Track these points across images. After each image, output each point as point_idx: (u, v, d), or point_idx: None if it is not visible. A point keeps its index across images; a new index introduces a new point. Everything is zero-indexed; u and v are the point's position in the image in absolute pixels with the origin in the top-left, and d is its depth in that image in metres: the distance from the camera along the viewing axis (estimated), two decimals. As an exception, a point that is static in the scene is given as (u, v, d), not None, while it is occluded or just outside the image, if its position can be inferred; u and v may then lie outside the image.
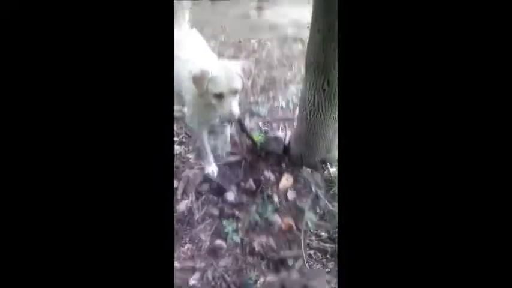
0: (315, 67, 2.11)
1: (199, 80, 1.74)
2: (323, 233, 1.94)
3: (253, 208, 2.01)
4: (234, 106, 1.72)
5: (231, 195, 2.06)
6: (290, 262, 1.76)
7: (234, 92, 1.73)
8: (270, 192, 2.12)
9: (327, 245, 1.87)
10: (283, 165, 2.33)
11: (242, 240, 1.84)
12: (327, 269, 1.77)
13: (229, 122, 1.89)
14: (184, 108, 2.70)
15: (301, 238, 1.87)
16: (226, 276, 1.65)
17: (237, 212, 1.97)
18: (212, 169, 2.20)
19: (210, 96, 1.75)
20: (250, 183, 2.15)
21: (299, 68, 3.42)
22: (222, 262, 1.71)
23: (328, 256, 1.82)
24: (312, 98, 2.15)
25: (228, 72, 1.72)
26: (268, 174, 2.26)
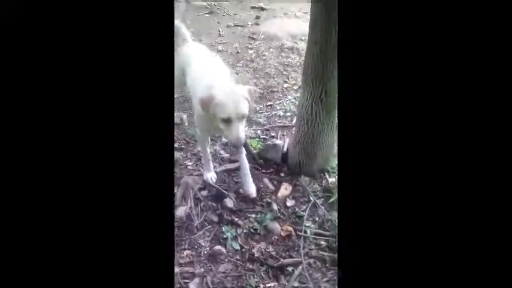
0: (313, 78, 2.16)
1: (205, 103, 1.76)
2: (322, 242, 1.96)
3: (253, 215, 2.03)
4: (241, 131, 1.73)
5: (230, 202, 2.07)
6: (289, 268, 1.78)
7: (241, 117, 1.74)
8: (269, 200, 2.14)
9: (326, 253, 1.89)
10: (282, 174, 2.36)
11: (241, 246, 1.85)
12: (325, 278, 1.79)
13: (236, 146, 1.92)
14: (184, 115, 2.72)
15: (300, 245, 1.89)
16: (225, 282, 1.65)
17: (236, 219, 1.98)
18: (211, 176, 2.21)
19: (217, 120, 1.77)
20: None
21: (296, 78, 3.48)
22: (221, 268, 1.72)
23: (327, 265, 1.84)
24: (310, 108, 2.20)
25: (235, 97, 1.74)
26: (267, 182, 2.28)
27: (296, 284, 1.72)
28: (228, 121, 1.72)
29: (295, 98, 3.13)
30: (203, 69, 2.13)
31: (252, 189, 2.14)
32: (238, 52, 4.01)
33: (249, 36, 4.37)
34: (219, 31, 4.49)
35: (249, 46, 4.15)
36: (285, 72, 3.64)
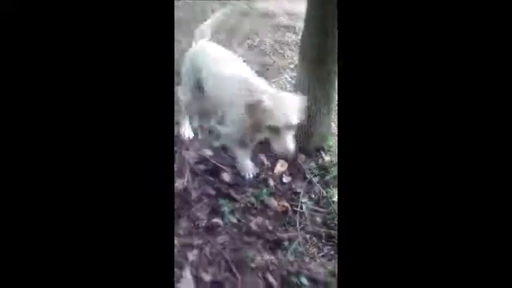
0: (309, 58, 2.18)
1: (251, 108, 1.68)
2: (318, 218, 2.02)
3: (250, 190, 2.08)
4: (289, 142, 1.66)
5: (227, 176, 2.11)
6: (286, 243, 1.84)
7: (290, 128, 1.68)
8: (265, 176, 2.19)
9: (322, 229, 1.96)
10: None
11: (239, 220, 1.91)
12: (321, 253, 1.86)
13: (284, 157, 1.85)
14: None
15: (296, 220, 1.94)
16: (224, 253, 1.70)
17: (233, 193, 2.02)
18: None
19: (263, 127, 1.70)
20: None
21: (292, 57, 3.49)
22: (219, 239, 1.77)
23: (323, 240, 1.90)
24: (307, 87, 2.22)
25: (286, 106, 1.67)
26: (263, 159, 2.32)
27: (292, 258, 1.78)
28: (275, 130, 1.66)
29: (291, 77, 3.15)
30: (235, 71, 2.00)
31: (248, 170, 2.17)
32: (232, 29, 4.00)
33: (244, 12, 4.35)
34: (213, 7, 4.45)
35: (244, 22, 4.14)
36: (280, 51, 3.65)
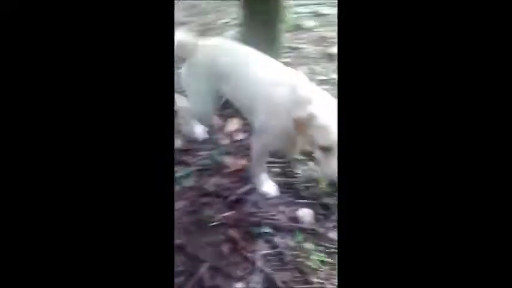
0: (253, 14, 2.20)
1: (301, 124, 1.48)
2: (277, 169, 2.08)
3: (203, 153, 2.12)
4: (336, 163, 1.42)
5: (177, 142, 2.14)
6: (246, 197, 1.91)
7: None
8: (217, 136, 2.23)
9: (280, 179, 2.02)
10: (230, 111, 2.41)
11: (195, 183, 1.95)
12: (281, 201, 1.92)
13: (330, 179, 1.59)
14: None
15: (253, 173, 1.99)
16: (183, 217, 1.75)
17: (185, 158, 2.05)
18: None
19: (312, 146, 1.51)
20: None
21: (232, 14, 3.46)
22: (176, 205, 1.81)
23: (286, 189, 1.97)
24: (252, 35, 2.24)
25: None
26: (215, 119, 2.34)
27: (254, 210, 1.84)
28: (327, 150, 1.45)
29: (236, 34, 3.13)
30: (271, 75, 1.73)
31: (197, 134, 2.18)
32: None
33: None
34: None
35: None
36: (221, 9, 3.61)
